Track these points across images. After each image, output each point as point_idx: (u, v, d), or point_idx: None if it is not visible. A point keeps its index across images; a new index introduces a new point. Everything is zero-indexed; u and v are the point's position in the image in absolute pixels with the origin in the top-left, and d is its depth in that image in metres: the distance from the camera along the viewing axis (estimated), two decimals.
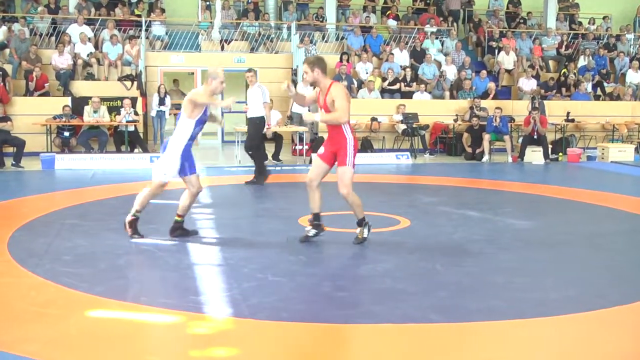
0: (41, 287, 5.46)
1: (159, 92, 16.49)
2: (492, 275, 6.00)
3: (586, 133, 18.24)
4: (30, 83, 16.04)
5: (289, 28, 19.65)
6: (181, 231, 7.25)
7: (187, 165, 7.03)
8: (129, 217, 7.16)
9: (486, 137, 15.68)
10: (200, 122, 6.99)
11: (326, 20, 20.56)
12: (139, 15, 19.25)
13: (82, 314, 4.86)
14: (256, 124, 11.40)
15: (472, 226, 8.14)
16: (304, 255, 6.59)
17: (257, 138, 11.52)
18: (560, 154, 16.13)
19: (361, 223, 6.96)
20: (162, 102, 16.36)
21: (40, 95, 16.12)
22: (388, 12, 21.47)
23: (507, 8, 22.96)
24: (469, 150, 15.99)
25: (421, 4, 22.07)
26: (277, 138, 15.01)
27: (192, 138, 7.04)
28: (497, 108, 15.99)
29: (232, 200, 10.12)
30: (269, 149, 14.96)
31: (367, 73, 17.84)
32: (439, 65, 19.03)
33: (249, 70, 11.39)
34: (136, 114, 15.71)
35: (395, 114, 16.93)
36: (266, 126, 11.43)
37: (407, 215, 8.51)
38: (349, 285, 5.67)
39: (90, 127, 15.48)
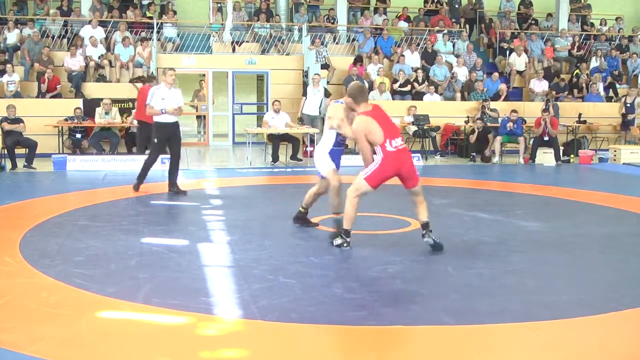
0: (53, 287, 5.48)
1: None
2: (504, 278, 5.97)
3: (598, 135, 18.15)
4: (42, 85, 16.12)
5: (300, 30, 19.64)
6: (303, 221, 7.81)
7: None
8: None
9: (498, 138, 15.63)
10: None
11: (337, 22, 20.55)
12: (151, 18, 19.29)
13: (94, 315, 4.87)
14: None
15: (484, 228, 8.12)
16: (314, 256, 6.58)
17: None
18: (572, 155, 16.05)
19: (342, 232, 6.86)
20: None
21: (52, 97, 16.19)
22: (399, 14, 21.44)
23: (519, 9, 22.88)
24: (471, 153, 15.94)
25: (432, 6, 22.02)
26: (291, 139, 15.03)
27: (336, 144, 7.29)
28: (513, 111, 15.88)
29: (243, 202, 10.12)
30: (282, 150, 15.01)
31: (377, 74, 17.82)
32: (450, 66, 18.99)
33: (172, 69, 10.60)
34: None
35: (406, 115, 16.91)
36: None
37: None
38: (359, 286, 5.66)
39: (102, 128, 15.54)
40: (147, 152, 12.52)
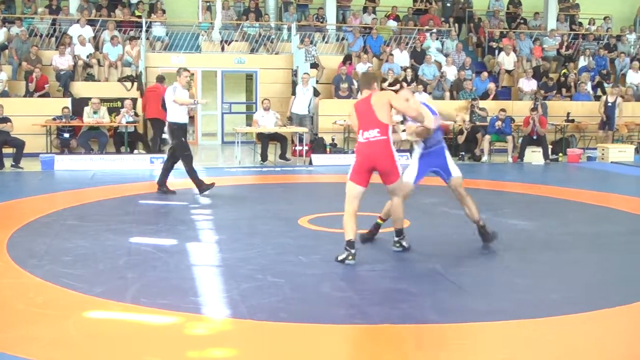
0: (40, 288, 5.46)
1: None
2: (493, 276, 6.00)
3: (586, 133, 18.21)
4: (30, 84, 16.02)
5: (289, 29, 19.62)
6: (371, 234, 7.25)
7: (442, 173, 7.19)
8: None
9: (487, 137, 15.66)
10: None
11: (326, 21, 20.55)
12: (139, 16, 19.22)
13: (82, 315, 4.85)
14: None
15: (472, 227, 8.12)
16: (303, 256, 6.58)
17: None
18: (560, 154, 16.11)
19: (345, 245, 6.35)
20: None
21: (40, 96, 16.10)
22: (388, 13, 21.46)
23: (508, 9, 22.95)
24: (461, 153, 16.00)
25: (421, 5, 22.05)
26: (280, 138, 15.02)
27: (426, 147, 7.08)
28: (501, 110, 15.89)
29: (232, 201, 10.11)
30: (271, 150, 15.00)
31: None
32: (439, 66, 19.01)
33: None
34: (136, 114, 15.68)
35: (395, 114, 16.87)
36: None
37: (406, 216, 8.42)
38: (348, 285, 5.67)
39: (90, 127, 15.45)
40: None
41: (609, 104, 17.08)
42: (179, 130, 10.24)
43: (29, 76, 16.11)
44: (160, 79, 15.56)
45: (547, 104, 17.62)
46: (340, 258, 6.31)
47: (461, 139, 16.01)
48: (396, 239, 6.77)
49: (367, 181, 6.44)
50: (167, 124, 10.45)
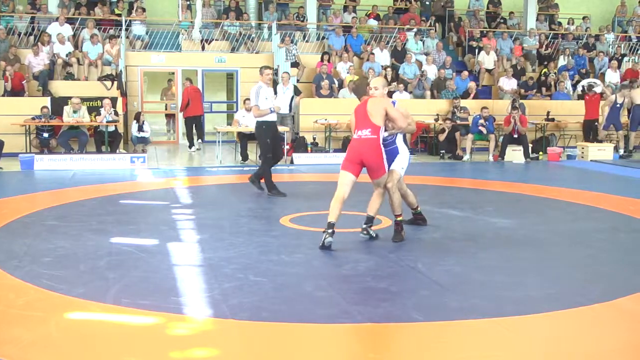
0: (21, 289, 5.41)
1: (137, 119, 16.15)
2: (474, 274, 6.02)
3: (566, 132, 18.35)
4: (6, 83, 15.84)
5: (269, 28, 19.61)
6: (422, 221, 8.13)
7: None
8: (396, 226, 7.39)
9: (469, 136, 15.74)
10: None
11: (307, 20, 20.54)
12: (119, 15, 19.11)
13: (63, 316, 4.82)
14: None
15: (453, 225, 8.17)
16: (285, 255, 6.59)
17: None
18: (541, 153, 16.22)
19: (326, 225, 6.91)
20: (140, 128, 16.09)
21: (18, 95, 15.92)
22: (368, 12, 21.50)
23: (488, 8, 23.07)
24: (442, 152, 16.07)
25: (402, 4, 22.11)
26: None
27: (384, 145, 7.25)
28: (484, 108, 15.97)
29: (214, 200, 10.09)
30: (252, 149, 14.98)
31: (347, 72, 17.84)
32: (420, 65, 19.07)
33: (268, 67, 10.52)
34: (116, 114, 15.58)
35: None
36: None
37: (388, 215, 8.50)
38: (330, 284, 5.67)
39: (70, 127, 15.33)
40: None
41: (618, 105, 16.66)
42: (267, 129, 10.18)
43: (4, 75, 15.93)
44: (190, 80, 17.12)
45: (524, 103, 17.71)
46: (320, 244, 6.76)
47: (442, 137, 16.06)
48: (364, 225, 7.24)
49: (358, 172, 7.08)
50: (255, 123, 10.36)
